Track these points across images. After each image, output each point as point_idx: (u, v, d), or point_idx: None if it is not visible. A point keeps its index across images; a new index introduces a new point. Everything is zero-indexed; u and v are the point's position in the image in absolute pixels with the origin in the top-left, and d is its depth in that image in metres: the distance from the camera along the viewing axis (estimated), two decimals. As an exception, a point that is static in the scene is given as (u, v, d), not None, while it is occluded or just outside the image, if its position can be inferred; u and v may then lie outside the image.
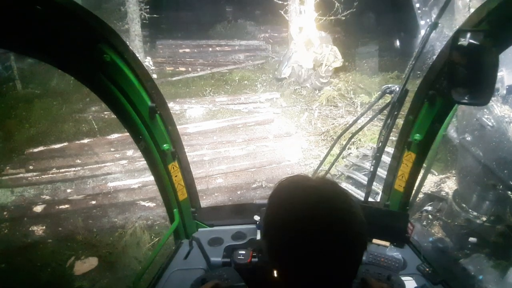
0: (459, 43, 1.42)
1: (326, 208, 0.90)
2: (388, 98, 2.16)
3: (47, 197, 6.15)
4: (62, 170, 6.72)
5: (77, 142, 7.34)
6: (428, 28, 1.90)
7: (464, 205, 4.19)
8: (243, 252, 2.09)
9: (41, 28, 1.26)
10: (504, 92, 3.65)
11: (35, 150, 7.10)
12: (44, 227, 5.51)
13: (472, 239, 4.01)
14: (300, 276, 0.89)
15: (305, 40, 9.87)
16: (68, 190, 6.30)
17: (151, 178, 2.19)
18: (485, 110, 3.68)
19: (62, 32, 1.33)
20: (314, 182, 0.99)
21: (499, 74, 3.47)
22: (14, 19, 1.18)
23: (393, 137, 2.37)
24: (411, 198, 2.44)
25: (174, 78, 11.34)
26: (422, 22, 4.84)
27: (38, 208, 5.89)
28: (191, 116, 8.72)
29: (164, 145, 2.01)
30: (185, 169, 2.25)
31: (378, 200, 2.67)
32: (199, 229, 2.50)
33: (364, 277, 1.47)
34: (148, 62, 11.32)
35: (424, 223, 4.60)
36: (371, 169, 2.36)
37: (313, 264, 0.87)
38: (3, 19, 1.15)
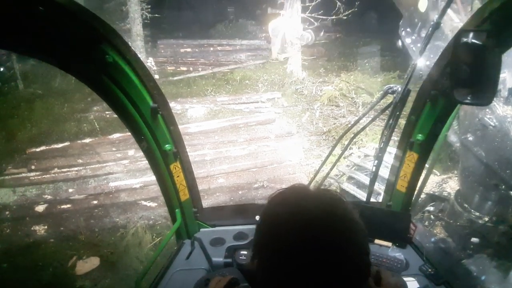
0: (461, 43, 1.41)
1: (315, 231, 0.87)
2: (390, 98, 2.15)
3: (49, 197, 6.15)
4: (64, 169, 6.72)
5: (79, 141, 7.34)
6: (430, 28, 1.89)
7: (466, 206, 4.18)
8: (245, 252, 2.09)
9: (43, 29, 1.26)
10: (506, 93, 3.64)
11: (37, 149, 7.10)
12: (46, 227, 5.51)
13: (474, 239, 4.00)
14: None
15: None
16: (70, 190, 6.30)
17: (153, 178, 2.19)
18: (487, 110, 3.66)
19: (64, 32, 1.33)
20: (307, 196, 0.96)
21: (502, 75, 3.45)
22: (16, 20, 1.18)
23: (395, 137, 2.37)
24: (413, 198, 2.43)
25: (175, 78, 11.36)
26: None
27: (40, 208, 5.89)
28: (193, 116, 8.71)
29: (166, 145, 2.01)
30: (187, 169, 2.25)
31: (380, 200, 2.66)
32: (201, 229, 2.50)
33: (378, 269, 1.47)
34: (150, 62, 11.33)
35: (426, 223, 4.59)
36: (373, 170, 2.35)
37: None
38: (4, 20, 1.15)
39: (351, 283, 0.89)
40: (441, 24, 1.92)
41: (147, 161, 2.10)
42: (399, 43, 4.86)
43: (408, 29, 4.72)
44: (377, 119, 2.58)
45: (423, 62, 2.46)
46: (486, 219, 3.99)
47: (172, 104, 8.41)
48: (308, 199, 0.94)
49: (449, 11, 3.82)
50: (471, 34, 1.39)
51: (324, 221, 0.88)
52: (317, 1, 10.58)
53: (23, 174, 6.62)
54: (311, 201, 0.93)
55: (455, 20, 3.93)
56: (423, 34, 4.58)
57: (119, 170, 6.68)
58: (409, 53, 4.63)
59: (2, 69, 9.59)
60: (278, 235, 0.90)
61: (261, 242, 0.95)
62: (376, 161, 2.32)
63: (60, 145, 7.20)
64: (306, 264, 0.84)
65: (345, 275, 0.87)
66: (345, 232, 0.89)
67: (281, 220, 0.91)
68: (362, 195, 5.40)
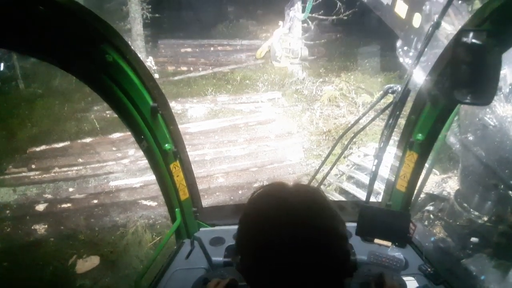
0: (461, 42, 1.41)
1: (291, 218, 0.89)
2: (390, 98, 2.15)
3: (49, 196, 6.16)
4: (64, 169, 6.73)
5: (79, 141, 7.36)
6: (430, 28, 1.89)
7: (466, 205, 4.18)
8: (245, 251, 2.08)
9: (43, 29, 1.27)
10: (507, 90, 3.64)
11: (37, 149, 7.12)
12: (46, 226, 5.52)
13: (474, 239, 4.00)
14: None
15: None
16: (70, 189, 6.32)
17: (153, 177, 2.20)
18: (488, 109, 3.66)
19: (64, 32, 1.34)
20: (284, 191, 0.98)
21: (502, 71, 3.45)
22: (16, 20, 1.18)
23: (396, 137, 2.37)
24: (413, 198, 2.44)
25: (175, 78, 11.36)
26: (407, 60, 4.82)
27: (40, 207, 5.90)
28: (193, 116, 8.72)
29: (166, 145, 2.01)
30: (187, 169, 2.26)
31: (380, 200, 2.66)
32: (201, 229, 2.50)
33: (382, 272, 1.48)
34: (150, 62, 11.33)
35: (426, 223, 4.59)
36: (373, 169, 2.35)
37: (284, 276, 0.88)
38: (5, 20, 1.16)
39: (334, 267, 0.91)
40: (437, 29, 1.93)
41: (147, 161, 2.10)
42: (399, 43, 4.87)
43: (405, 48, 4.76)
44: (377, 118, 2.58)
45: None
46: (486, 218, 3.99)
47: (172, 104, 8.44)
48: (288, 193, 0.96)
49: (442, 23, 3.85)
50: (471, 34, 1.39)
51: (304, 211, 0.91)
52: (318, 1, 10.58)
53: (24, 173, 6.63)
54: (290, 194, 0.95)
55: (447, 28, 3.94)
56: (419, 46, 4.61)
57: (119, 170, 6.69)
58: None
59: (2, 68, 9.58)
60: (261, 229, 0.92)
61: (245, 237, 0.97)
62: (375, 161, 2.32)
63: (60, 145, 7.22)
64: (290, 250, 0.87)
65: (329, 256, 0.90)
66: (326, 219, 0.92)
67: (263, 213, 0.94)
68: (361, 195, 5.41)
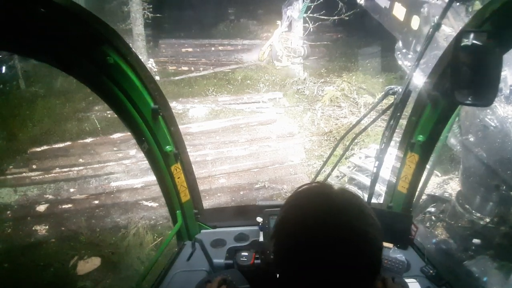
0: (462, 44, 1.41)
1: (336, 218, 0.90)
2: (391, 99, 2.15)
3: (50, 197, 6.17)
4: (65, 169, 6.74)
5: (80, 141, 7.36)
6: (430, 30, 1.89)
7: (467, 206, 4.16)
8: (246, 253, 2.08)
9: (44, 31, 1.27)
10: (508, 92, 3.63)
11: (38, 149, 7.11)
12: (47, 227, 5.53)
13: (476, 240, 3.99)
14: (303, 282, 0.90)
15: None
16: (71, 190, 6.32)
17: (154, 178, 2.20)
18: (488, 110, 3.65)
19: (65, 34, 1.34)
20: (330, 191, 0.99)
21: (502, 73, 3.45)
22: (17, 22, 1.18)
23: (397, 138, 2.36)
24: (414, 199, 2.43)
25: (176, 78, 11.37)
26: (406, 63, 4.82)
27: (41, 208, 5.91)
28: (194, 116, 8.72)
29: (167, 147, 2.01)
30: (188, 171, 2.26)
31: (381, 201, 2.66)
32: (202, 231, 2.50)
33: (385, 276, 1.47)
34: (151, 64, 11.34)
35: (428, 224, 4.58)
36: (374, 171, 2.35)
37: (316, 271, 0.88)
38: (6, 22, 1.16)
39: (366, 274, 0.92)
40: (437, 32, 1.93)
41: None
42: (400, 43, 4.87)
43: (404, 50, 4.76)
44: (379, 120, 2.57)
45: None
46: (488, 220, 3.97)
47: (173, 104, 8.46)
48: (334, 194, 0.97)
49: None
50: (471, 35, 1.39)
51: (349, 214, 0.92)
52: (319, 1, 10.57)
53: (25, 174, 6.64)
54: (336, 195, 0.97)
55: (446, 30, 3.94)
56: (418, 49, 4.61)
57: (120, 170, 6.69)
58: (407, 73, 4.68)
59: (4, 68, 9.59)
60: (303, 220, 0.93)
61: (286, 223, 0.98)
62: (377, 162, 2.32)
63: (61, 145, 7.22)
64: (327, 247, 0.87)
65: (364, 262, 0.90)
66: (369, 226, 0.92)
67: (308, 207, 0.96)
68: (363, 196, 5.39)
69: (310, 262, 0.88)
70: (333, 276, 0.88)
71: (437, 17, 1.91)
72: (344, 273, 0.88)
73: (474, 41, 1.38)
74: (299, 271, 0.90)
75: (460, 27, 1.90)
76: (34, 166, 6.76)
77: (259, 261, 2.05)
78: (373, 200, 2.69)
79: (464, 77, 1.47)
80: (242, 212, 2.74)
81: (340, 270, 0.88)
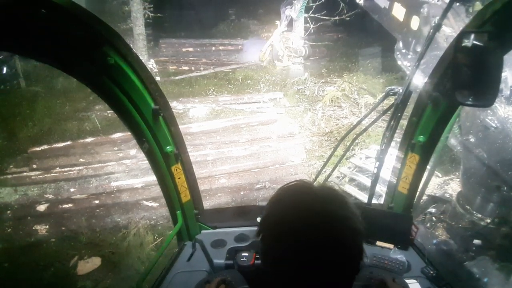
0: (463, 44, 1.41)
1: (319, 217, 0.93)
2: (391, 100, 2.15)
3: (51, 196, 6.16)
4: (66, 169, 6.73)
5: (80, 141, 7.35)
6: (431, 30, 1.89)
7: (468, 207, 4.16)
8: (246, 254, 2.08)
9: (45, 32, 1.27)
10: (508, 92, 3.62)
11: (39, 148, 7.11)
12: (47, 226, 5.52)
13: (476, 241, 3.98)
14: (293, 283, 0.93)
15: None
16: (72, 189, 6.31)
17: (154, 178, 2.20)
18: (489, 111, 3.65)
19: (66, 35, 1.34)
20: (311, 186, 1.02)
21: (503, 74, 3.44)
22: (18, 23, 1.18)
23: (397, 139, 2.36)
24: (415, 200, 2.43)
25: (177, 77, 11.38)
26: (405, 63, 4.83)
27: (42, 207, 5.90)
28: (194, 116, 8.72)
29: (167, 147, 2.01)
30: (188, 171, 2.26)
31: (382, 202, 2.66)
32: (202, 231, 2.50)
33: (383, 278, 1.48)
34: (151, 64, 11.34)
35: (428, 225, 4.58)
36: (375, 171, 2.35)
37: (303, 272, 0.91)
38: (7, 23, 1.16)
39: (349, 268, 0.96)
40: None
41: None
42: (400, 44, 4.88)
43: (404, 50, 4.77)
44: (380, 120, 2.57)
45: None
46: (488, 220, 3.97)
47: (174, 104, 8.46)
48: (314, 187, 1.02)
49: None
50: (472, 36, 1.39)
51: (334, 201, 0.97)
52: (321, 1, 10.59)
53: (25, 173, 6.63)
54: (316, 188, 1.01)
55: (446, 30, 3.94)
56: (418, 49, 4.62)
57: (121, 170, 6.68)
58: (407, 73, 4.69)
59: (4, 68, 9.59)
60: (283, 216, 0.97)
61: (269, 219, 1.01)
62: (377, 163, 2.32)
63: (61, 144, 7.21)
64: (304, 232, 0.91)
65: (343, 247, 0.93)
66: (354, 215, 0.96)
67: (288, 204, 0.99)
68: (363, 197, 5.39)
69: (296, 247, 0.91)
70: (317, 276, 0.90)
71: (437, 17, 1.91)
72: (329, 261, 0.91)
73: (475, 42, 1.38)
74: (283, 259, 0.93)
75: (461, 28, 1.90)
76: (34, 166, 6.76)
77: (259, 261, 2.05)
78: (374, 201, 2.69)
79: (464, 77, 1.47)
80: (242, 213, 2.74)
81: (323, 271, 0.91)
